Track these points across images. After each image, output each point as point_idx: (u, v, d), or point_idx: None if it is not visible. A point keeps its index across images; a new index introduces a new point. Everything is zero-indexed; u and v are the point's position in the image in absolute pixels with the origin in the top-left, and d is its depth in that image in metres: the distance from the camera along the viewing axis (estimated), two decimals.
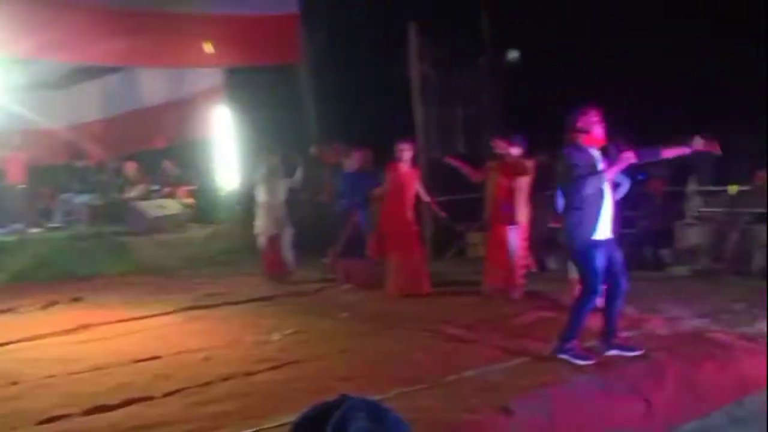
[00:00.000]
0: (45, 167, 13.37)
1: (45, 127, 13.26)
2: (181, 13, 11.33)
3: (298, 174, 10.11)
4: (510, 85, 12.50)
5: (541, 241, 9.64)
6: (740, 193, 9.65)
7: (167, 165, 13.84)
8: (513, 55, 12.46)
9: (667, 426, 4.89)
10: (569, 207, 5.61)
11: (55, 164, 13.79)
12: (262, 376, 5.61)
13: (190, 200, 13.54)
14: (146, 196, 13.12)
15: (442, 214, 9.43)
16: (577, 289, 7.37)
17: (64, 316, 8.12)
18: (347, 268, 9.50)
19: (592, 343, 5.81)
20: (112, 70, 13.54)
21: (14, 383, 5.60)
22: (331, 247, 10.13)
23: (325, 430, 1.40)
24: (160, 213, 12.40)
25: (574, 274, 7.34)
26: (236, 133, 13.14)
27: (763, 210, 9.25)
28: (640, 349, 5.72)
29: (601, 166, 5.54)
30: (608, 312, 5.75)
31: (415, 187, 8.80)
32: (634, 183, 5.97)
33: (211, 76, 13.28)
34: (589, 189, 5.45)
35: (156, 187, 13.62)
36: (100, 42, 10.59)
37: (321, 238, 10.77)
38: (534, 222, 8.73)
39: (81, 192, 12.89)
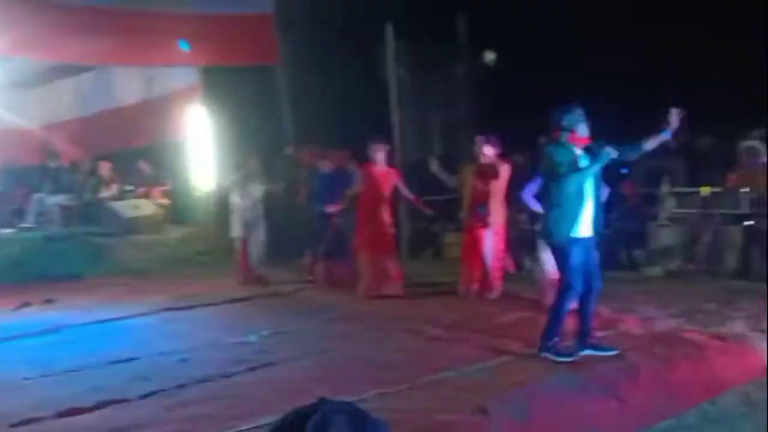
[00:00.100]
0: (18, 167, 13.21)
1: (18, 126, 13.11)
2: (156, 12, 11.26)
3: (276, 176, 10.03)
4: (486, 88, 12.56)
5: (518, 242, 9.70)
6: (712, 194, 9.77)
7: (142, 165, 13.72)
8: (489, 57, 12.52)
9: (642, 425, 4.94)
10: (551, 204, 5.65)
11: (29, 164, 13.62)
12: (240, 377, 5.59)
13: (165, 201, 13.44)
14: (121, 197, 13.02)
15: (428, 211, 9.44)
16: (551, 288, 7.50)
17: (38, 317, 8.04)
18: (326, 269, 9.49)
19: (566, 343, 5.85)
20: (87, 68, 13.41)
21: None
22: (308, 248, 10.12)
23: None
24: (135, 214, 12.31)
25: (544, 273, 7.43)
26: (212, 134, 13.07)
27: (734, 211, 9.38)
28: (615, 349, 5.78)
29: (584, 163, 5.57)
30: (582, 312, 5.80)
31: (391, 187, 8.79)
32: (617, 178, 6.02)
33: (186, 76, 13.19)
34: (571, 186, 5.49)
35: (130, 188, 13.50)
36: (75, 40, 10.50)
37: (298, 239, 10.75)
38: (510, 223, 8.80)
39: (54, 192, 12.74)
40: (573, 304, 5.89)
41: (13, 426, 4.65)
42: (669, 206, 10.18)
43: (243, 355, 6.23)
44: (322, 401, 1.51)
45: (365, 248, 8.70)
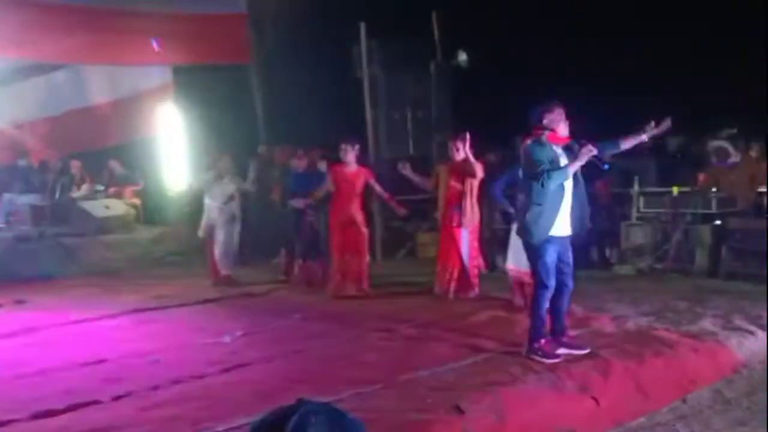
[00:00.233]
0: None
1: None
2: (128, 11, 11.16)
3: (250, 175, 9.95)
4: (459, 87, 12.62)
5: (490, 241, 9.76)
6: (682, 194, 9.89)
7: (113, 165, 13.60)
8: (462, 57, 12.57)
9: (615, 423, 4.99)
10: (530, 202, 5.67)
11: None
12: (213, 378, 5.54)
13: (137, 201, 13.34)
14: (92, 197, 12.88)
15: (402, 211, 9.46)
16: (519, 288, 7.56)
17: (8, 319, 7.92)
18: (301, 269, 9.46)
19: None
20: (57, 67, 13.26)
21: None
22: (282, 248, 10.09)
23: None
24: (106, 214, 12.19)
25: (516, 271, 7.50)
26: (184, 133, 12.99)
27: (704, 211, 9.51)
28: (588, 348, 5.83)
29: (563, 162, 5.60)
30: (555, 311, 5.84)
31: (362, 187, 8.76)
32: (599, 173, 6.07)
33: (159, 74, 13.09)
34: (552, 184, 5.51)
35: (101, 188, 13.38)
36: (46, 38, 10.39)
37: (271, 239, 10.72)
38: (483, 222, 8.84)
39: (25, 192, 12.58)
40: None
41: None
42: (640, 206, 10.28)
43: (217, 355, 6.19)
44: (301, 402, 1.51)
45: (335, 248, 8.70)
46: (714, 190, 9.69)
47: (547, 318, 5.79)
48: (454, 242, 8.27)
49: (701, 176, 10.23)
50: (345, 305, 8.21)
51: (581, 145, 5.52)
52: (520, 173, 7.44)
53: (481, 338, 6.38)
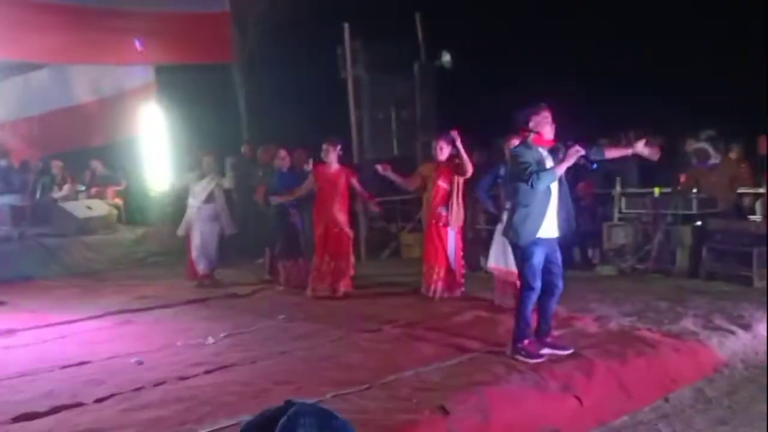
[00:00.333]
0: None
1: None
2: (111, 10, 11.10)
3: (228, 173, 9.87)
4: (443, 87, 12.65)
5: (473, 242, 9.79)
6: (663, 195, 9.96)
7: (95, 165, 13.51)
8: (446, 58, 12.59)
9: (599, 422, 5.02)
10: (518, 204, 5.69)
11: None
12: (197, 380, 5.52)
13: (119, 201, 13.25)
14: (73, 197, 12.79)
15: (375, 208, 9.42)
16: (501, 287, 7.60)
17: None
18: (285, 269, 9.44)
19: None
20: (37, 66, 13.14)
21: None
22: (266, 248, 10.05)
23: None
24: (88, 214, 12.10)
25: (498, 270, 7.53)
26: (167, 132, 12.92)
27: (685, 212, 9.58)
28: (571, 348, 5.86)
29: (549, 164, 5.62)
30: (542, 311, 5.86)
31: (345, 187, 8.74)
32: (583, 174, 6.13)
33: (141, 74, 13.02)
34: (541, 186, 5.53)
35: (82, 188, 13.28)
36: (27, 38, 10.29)
37: (255, 239, 10.69)
38: (467, 222, 8.86)
39: (5, 192, 12.46)
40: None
41: None
42: (622, 206, 10.35)
43: (200, 357, 6.17)
44: (289, 403, 1.50)
45: (316, 247, 8.70)
46: (695, 191, 9.77)
47: (533, 319, 5.82)
48: (441, 242, 8.27)
49: (682, 177, 10.31)
50: (329, 306, 8.20)
51: (568, 147, 5.54)
52: (501, 172, 7.51)
53: (465, 338, 6.40)
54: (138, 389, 5.28)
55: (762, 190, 9.71)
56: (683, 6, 11.93)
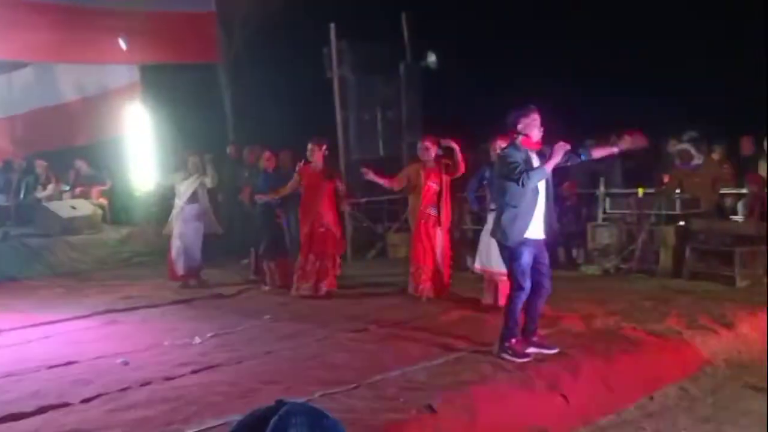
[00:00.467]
0: None
1: None
2: (96, 9, 11.04)
3: (209, 172, 9.80)
4: (428, 89, 12.68)
5: (459, 242, 9.83)
6: (647, 195, 10.03)
7: (80, 164, 13.43)
8: (431, 59, 12.62)
9: (584, 420, 5.06)
10: (506, 204, 5.72)
11: None
12: (183, 380, 5.52)
13: (104, 201, 13.18)
14: (57, 197, 12.71)
15: (347, 208, 9.40)
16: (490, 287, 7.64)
17: None
18: (271, 269, 9.43)
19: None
20: (21, 65, 13.05)
21: None
22: (251, 248, 10.04)
23: None
24: (72, 214, 12.02)
25: (483, 271, 7.57)
26: (152, 132, 12.86)
27: (668, 212, 9.65)
28: (557, 347, 5.90)
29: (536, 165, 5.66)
30: (530, 311, 5.89)
31: (329, 187, 8.73)
32: (575, 167, 6.18)
33: (126, 73, 12.95)
34: (531, 184, 5.56)
35: (67, 188, 13.20)
36: (11, 36, 10.22)
37: (241, 239, 10.67)
38: (453, 222, 8.88)
39: None
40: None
41: None
42: (606, 206, 10.42)
43: (186, 357, 6.16)
44: (280, 402, 1.50)
45: (301, 247, 8.70)
46: (678, 191, 9.85)
47: (521, 318, 5.85)
48: (429, 242, 8.27)
49: (665, 178, 10.39)
50: (315, 306, 8.20)
51: (554, 146, 5.60)
52: (487, 174, 7.55)
53: (451, 338, 6.43)
54: (124, 389, 5.27)
55: (744, 191, 9.81)
56: (678, 7, 12.00)
